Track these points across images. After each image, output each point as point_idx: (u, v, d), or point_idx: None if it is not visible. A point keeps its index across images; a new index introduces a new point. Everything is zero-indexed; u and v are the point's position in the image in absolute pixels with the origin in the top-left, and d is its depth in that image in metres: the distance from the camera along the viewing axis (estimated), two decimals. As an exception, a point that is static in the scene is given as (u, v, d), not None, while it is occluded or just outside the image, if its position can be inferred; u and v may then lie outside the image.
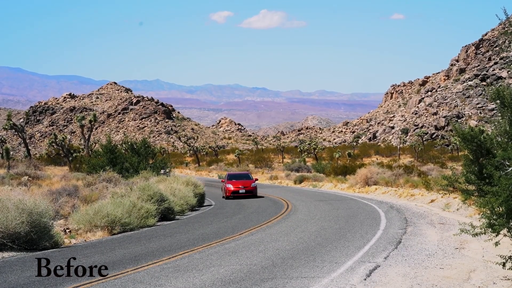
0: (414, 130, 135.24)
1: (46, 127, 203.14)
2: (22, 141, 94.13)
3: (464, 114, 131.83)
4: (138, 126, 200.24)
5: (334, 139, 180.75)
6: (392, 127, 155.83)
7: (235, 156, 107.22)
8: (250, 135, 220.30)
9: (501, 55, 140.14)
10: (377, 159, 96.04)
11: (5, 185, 28.55)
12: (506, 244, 12.50)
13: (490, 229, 10.69)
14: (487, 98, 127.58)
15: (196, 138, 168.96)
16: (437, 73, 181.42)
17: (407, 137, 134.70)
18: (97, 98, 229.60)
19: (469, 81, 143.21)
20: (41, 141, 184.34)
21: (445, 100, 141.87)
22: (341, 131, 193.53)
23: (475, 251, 14.82)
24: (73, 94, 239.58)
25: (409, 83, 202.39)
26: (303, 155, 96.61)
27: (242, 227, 20.72)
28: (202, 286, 11.22)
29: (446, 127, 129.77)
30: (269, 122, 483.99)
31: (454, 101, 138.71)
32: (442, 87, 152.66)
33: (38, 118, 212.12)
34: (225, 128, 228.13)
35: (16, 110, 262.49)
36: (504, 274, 11.90)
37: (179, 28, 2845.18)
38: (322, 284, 11.18)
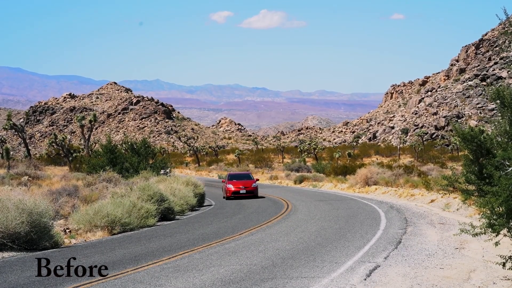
0: (414, 130, 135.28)
1: (46, 127, 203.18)
2: (22, 141, 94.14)
3: (464, 114, 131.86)
4: (138, 126, 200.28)
5: (334, 139, 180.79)
6: (392, 127, 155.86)
7: (235, 156, 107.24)
8: (250, 135, 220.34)
9: (501, 55, 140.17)
10: (377, 159, 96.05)
11: (5, 185, 28.55)
12: (506, 244, 12.51)
13: (490, 229, 10.69)
14: (487, 98, 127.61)
15: (196, 138, 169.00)
16: (437, 73, 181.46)
17: (407, 137, 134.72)
18: (97, 98, 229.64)
19: (469, 81, 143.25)
20: (41, 141, 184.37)
21: (445, 100, 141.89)
22: (341, 131, 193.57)
23: (475, 251, 14.82)
24: (73, 94, 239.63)
25: (409, 83, 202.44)
26: (303, 155, 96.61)
27: (242, 227, 20.73)
28: (202, 286, 11.22)
29: (446, 127, 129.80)
30: (269, 122, 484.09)
31: (454, 101, 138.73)
32: (442, 87, 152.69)
33: (38, 118, 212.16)
34: (225, 128, 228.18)
35: (16, 110, 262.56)
36: (504, 274, 11.90)
37: (179, 28, 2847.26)
38: (322, 284, 11.18)
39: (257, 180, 39.83)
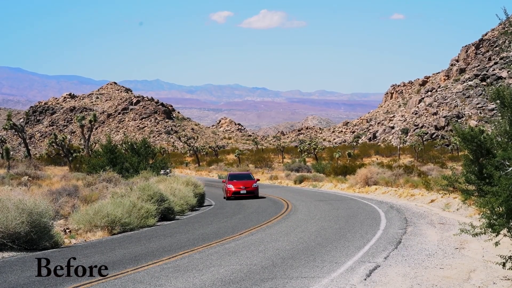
0: (414, 130, 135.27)
1: (46, 127, 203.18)
2: (22, 141, 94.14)
3: (464, 114, 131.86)
4: (138, 126, 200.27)
5: (334, 139, 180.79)
6: (392, 127, 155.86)
7: (235, 156, 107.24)
8: (250, 135, 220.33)
9: (501, 55, 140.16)
10: (377, 159, 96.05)
11: (5, 185, 28.55)
12: (506, 244, 12.51)
13: (490, 229, 10.69)
14: (487, 98, 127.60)
15: (196, 138, 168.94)
16: (437, 73, 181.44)
17: (407, 137, 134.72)
18: (97, 98, 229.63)
19: (469, 81, 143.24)
20: (41, 141, 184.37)
21: (445, 100, 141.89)
22: (341, 131, 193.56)
23: (475, 251, 14.82)
24: (73, 94, 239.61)
25: (409, 83, 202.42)
26: (303, 155, 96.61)
27: (242, 227, 20.72)
28: (202, 286, 11.22)
29: (446, 127, 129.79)
30: (269, 122, 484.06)
31: (454, 101, 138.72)
32: (442, 87, 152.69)
33: (38, 118, 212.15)
34: (225, 128, 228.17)
35: (16, 110, 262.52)
36: (504, 274, 11.90)
37: (179, 28, 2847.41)
38: (322, 284, 11.18)
39: (258, 180, 39.57)
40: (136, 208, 21.72)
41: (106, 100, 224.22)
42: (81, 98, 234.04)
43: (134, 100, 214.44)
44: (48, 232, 16.67)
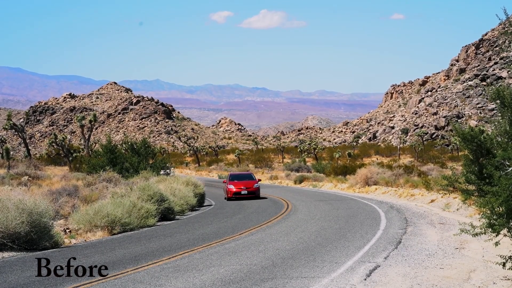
0: (414, 130, 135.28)
1: (46, 127, 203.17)
2: (22, 141, 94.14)
3: (464, 114, 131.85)
4: (138, 126, 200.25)
5: (334, 139, 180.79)
6: (392, 127, 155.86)
7: (235, 156, 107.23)
8: (250, 135, 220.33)
9: (501, 55, 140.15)
10: (377, 159, 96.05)
11: (5, 185, 28.55)
12: (506, 244, 12.51)
13: (490, 229, 10.69)
14: (487, 98, 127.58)
15: (196, 138, 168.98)
16: (437, 73, 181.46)
17: (407, 137, 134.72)
18: (97, 98, 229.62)
19: (469, 81, 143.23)
20: (41, 141, 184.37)
21: (445, 100, 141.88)
22: (341, 131, 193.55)
23: (475, 251, 14.82)
24: (73, 94, 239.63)
25: (409, 83, 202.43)
26: (303, 155, 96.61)
27: (242, 227, 20.72)
28: (202, 286, 11.22)
29: (446, 127, 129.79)
30: (269, 122, 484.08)
31: (454, 101, 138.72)
32: (442, 87, 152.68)
33: (38, 118, 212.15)
34: (225, 128, 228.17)
35: (16, 110, 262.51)
36: (504, 274, 11.90)
37: (179, 28, 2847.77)
38: (322, 284, 11.18)
39: (259, 180, 39.12)
40: (136, 208, 21.72)
41: (106, 100, 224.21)
42: (81, 98, 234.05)
43: (134, 100, 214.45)
44: (48, 232, 16.67)
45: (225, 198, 36.88)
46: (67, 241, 18.15)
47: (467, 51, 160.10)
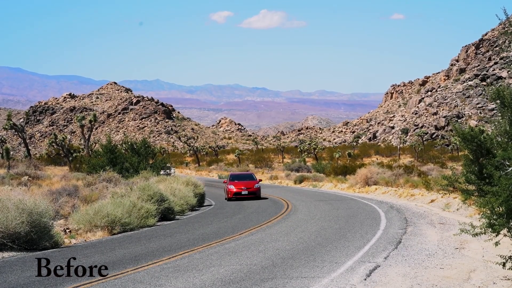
0: (414, 130, 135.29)
1: (46, 127, 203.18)
2: (22, 141, 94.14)
3: (464, 114, 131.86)
4: (138, 126, 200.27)
5: (334, 139, 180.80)
6: (392, 127, 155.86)
7: (235, 156, 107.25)
8: (250, 135, 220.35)
9: (501, 55, 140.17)
10: (377, 159, 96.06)
11: (5, 185, 28.55)
12: (506, 244, 12.50)
13: (490, 229, 10.68)
14: (487, 98, 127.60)
15: (196, 138, 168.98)
16: (437, 73, 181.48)
17: (407, 137, 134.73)
18: (97, 98, 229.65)
19: (469, 81, 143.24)
20: (41, 141, 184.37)
21: (445, 100, 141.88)
22: (341, 131, 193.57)
23: (475, 251, 14.82)
24: (73, 94, 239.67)
25: (409, 83, 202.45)
26: (303, 155, 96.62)
27: (242, 227, 20.72)
28: (202, 286, 11.21)
29: (446, 127, 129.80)
30: (269, 122, 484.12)
31: (454, 101, 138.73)
32: (442, 87, 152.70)
33: (38, 118, 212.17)
34: (225, 128, 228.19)
35: (16, 110, 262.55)
36: (504, 274, 11.90)
37: (179, 28, 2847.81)
38: (322, 284, 11.18)
39: (260, 180, 38.82)
40: (136, 208, 21.72)
41: (106, 100, 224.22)
42: (81, 98, 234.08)
43: (134, 100, 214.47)
44: (48, 232, 16.67)
45: (226, 199, 36.66)
46: (67, 241, 18.15)
47: (467, 51, 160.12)
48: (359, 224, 20.72)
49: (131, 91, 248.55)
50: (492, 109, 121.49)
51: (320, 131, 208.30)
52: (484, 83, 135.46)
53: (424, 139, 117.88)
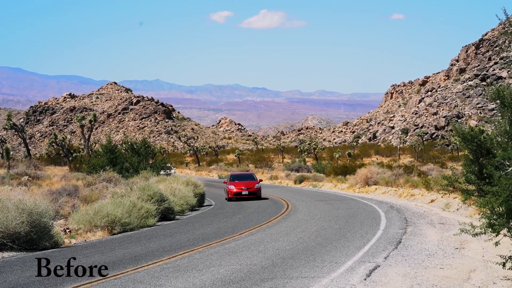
0: (414, 130, 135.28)
1: (46, 127, 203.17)
2: (22, 141, 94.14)
3: (464, 114, 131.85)
4: (138, 126, 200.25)
5: (334, 139, 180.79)
6: (392, 127, 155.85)
7: (235, 156, 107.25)
8: (250, 135, 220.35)
9: (501, 55, 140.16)
10: (377, 159, 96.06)
11: (5, 185, 28.55)
12: (506, 244, 12.50)
13: (490, 229, 10.68)
14: (487, 98, 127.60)
15: (196, 138, 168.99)
16: (437, 73, 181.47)
17: (407, 137, 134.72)
18: (97, 98, 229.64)
19: (469, 81, 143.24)
20: (41, 141, 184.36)
21: (445, 100, 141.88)
22: (341, 131, 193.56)
23: (475, 251, 14.82)
24: (73, 94, 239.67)
25: (409, 83, 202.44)
26: (303, 155, 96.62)
27: (242, 227, 20.72)
28: (202, 286, 11.21)
29: (446, 127, 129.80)
30: (269, 122, 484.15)
31: (454, 101, 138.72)
32: (442, 87, 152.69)
33: (38, 118, 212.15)
34: (225, 128, 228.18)
35: (16, 110, 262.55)
36: (504, 274, 11.90)
37: (179, 28, 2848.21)
38: (322, 284, 11.18)
39: (261, 181, 38.60)
40: (136, 208, 21.72)
41: (106, 100, 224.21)
42: (81, 98, 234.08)
43: (134, 100, 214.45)
44: (48, 232, 16.67)
45: (226, 199, 36.50)
46: (67, 241, 18.15)
47: (467, 51, 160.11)
48: (359, 224, 20.72)
49: (131, 91, 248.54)
50: (492, 109, 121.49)
51: (320, 131, 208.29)
52: (484, 83, 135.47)
53: (424, 139, 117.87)
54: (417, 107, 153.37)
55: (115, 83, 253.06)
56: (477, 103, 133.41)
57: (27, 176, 39.65)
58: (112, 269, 12.97)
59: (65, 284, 11.55)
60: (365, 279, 11.60)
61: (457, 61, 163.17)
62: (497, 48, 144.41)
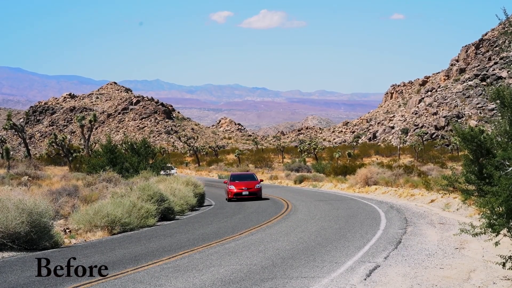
0: (414, 130, 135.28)
1: (46, 127, 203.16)
2: (22, 141, 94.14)
3: (464, 114, 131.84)
4: (138, 126, 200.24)
5: (334, 139, 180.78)
6: (392, 127, 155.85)
7: (235, 156, 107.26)
8: (250, 135, 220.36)
9: (501, 55, 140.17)
10: (377, 159, 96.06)
11: (5, 185, 28.55)
12: (506, 244, 12.50)
13: (490, 229, 10.68)
14: (487, 98, 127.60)
15: (196, 138, 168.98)
16: (437, 73, 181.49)
17: (407, 137, 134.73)
18: (97, 98, 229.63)
19: (469, 81, 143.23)
20: (41, 141, 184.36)
21: (445, 100, 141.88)
22: (341, 131, 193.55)
23: (475, 251, 14.82)
24: (73, 94, 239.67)
25: (409, 83, 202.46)
26: (303, 155, 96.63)
27: (242, 227, 20.72)
28: (202, 286, 11.21)
29: (446, 127, 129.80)
30: (269, 122, 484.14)
31: (454, 101, 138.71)
32: (442, 87, 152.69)
33: (38, 118, 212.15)
34: (225, 128, 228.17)
35: (16, 110, 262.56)
36: (504, 274, 11.90)
37: (179, 28, 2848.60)
38: (322, 284, 11.17)
39: (261, 181, 38.36)
40: (136, 208, 21.71)
41: (106, 100, 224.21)
42: (81, 98, 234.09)
43: (134, 100, 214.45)
44: (48, 232, 16.67)
45: (226, 199, 36.32)
46: (67, 241, 18.15)
47: (467, 51, 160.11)
48: (359, 224, 20.72)
49: (131, 91, 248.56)
50: (492, 109, 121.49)
51: (320, 131, 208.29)
52: (484, 83, 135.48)
53: (424, 139, 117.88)
54: (417, 107, 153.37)
55: (115, 83, 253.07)
56: (477, 103, 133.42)
57: (27, 176, 39.64)
58: (112, 269, 12.97)
59: (65, 284, 11.55)
60: (365, 279, 11.60)
61: (457, 61, 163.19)
62: (497, 48, 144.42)
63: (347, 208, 27.31)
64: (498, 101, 11.64)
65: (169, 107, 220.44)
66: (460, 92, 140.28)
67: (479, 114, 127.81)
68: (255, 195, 35.16)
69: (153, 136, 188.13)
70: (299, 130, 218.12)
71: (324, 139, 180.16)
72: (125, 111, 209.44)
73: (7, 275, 12.68)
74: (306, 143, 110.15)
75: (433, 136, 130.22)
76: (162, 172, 43.00)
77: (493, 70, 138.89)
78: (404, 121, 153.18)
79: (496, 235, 10.90)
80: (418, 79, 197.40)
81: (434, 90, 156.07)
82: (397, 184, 38.46)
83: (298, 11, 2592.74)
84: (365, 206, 28.39)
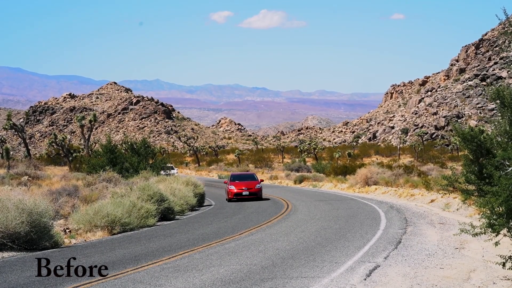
0: (414, 130, 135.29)
1: (46, 127, 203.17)
2: (22, 141, 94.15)
3: (464, 114, 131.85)
4: (138, 126, 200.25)
5: (334, 139, 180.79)
6: (392, 127, 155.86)
7: (235, 156, 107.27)
8: (250, 135, 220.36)
9: (501, 55, 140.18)
10: (377, 159, 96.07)
11: (5, 185, 28.55)
12: (506, 244, 12.50)
13: (490, 229, 10.69)
14: (487, 98, 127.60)
15: (196, 138, 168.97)
16: (437, 73, 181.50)
17: (407, 137, 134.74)
18: (97, 98, 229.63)
19: (469, 81, 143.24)
20: (41, 141, 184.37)
21: (445, 100, 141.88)
22: (341, 131, 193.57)
23: (475, 251, 14.82)
24: (73, 94, 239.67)
25: (409, 83, 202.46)
26: (303, 155, 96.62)
27: (242, 227, 20.72)
28: (202, 286, 11.22)
29: (446, 127, 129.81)
30: (269, 122, 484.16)
31: (454, 101, 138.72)
32: (442, 87, 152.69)
33: (38, 118, 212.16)
34: (225, 128, 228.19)
35: (16, 110, 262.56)
36: (504, 274, 11.90)
37: (179, 28, 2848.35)
38: (322, 284, 11.18)
39: (262, 181, 38.20)
40: (136, 208, 21.72)
41: (106, 100, 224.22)
42: (81, 98, 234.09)
43: (134, 100, 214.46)
44: (48, 232, 16.67)
45: (226, 199, 36.19)
46: (67, 241, 18.15)
47: (467, 51, 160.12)
48: (359, 224, 20.72)
49: (131, 91, 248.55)
50: (492, 109, 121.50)
51: (320, 131, 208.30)
52: (484, 83, 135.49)
53: (424, 139, 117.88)
54: (417, 107, 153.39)
55: (115, 83, 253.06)
56: (477, 103, 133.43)
57: (27, 176, 39.64)
58: (112, 269, 12.97)
59: (65, 284, 11.55)
60: (365, 279, 11.60)
61: (457, 61, 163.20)
62: (497, 48, 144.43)
63: (347, 208, 27.32)
64: (498, 101, 11.65)
65: (169, 107, 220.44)
66: (460, 92, 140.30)
67: (479, 114, 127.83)
68: (255, 195, 35.00)
69: (153, 136, 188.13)
70: (299, 130, 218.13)
71: (324, 139, 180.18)
72: (125, 111, 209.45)
73: (7, 275, 12.68)
74: (306, 143, 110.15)
75: (433, 136, 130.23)
76: (162, 172, 42.98)
77: (493, 70, 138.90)
78: (404, 121, 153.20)
79: (496, 235, 10.90)
80: (418, 79, 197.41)
81: (434, 90, 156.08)
82: (397, 184, 38.47)
83: (298, 11, 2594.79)
84: (365, 206, 28.39)
